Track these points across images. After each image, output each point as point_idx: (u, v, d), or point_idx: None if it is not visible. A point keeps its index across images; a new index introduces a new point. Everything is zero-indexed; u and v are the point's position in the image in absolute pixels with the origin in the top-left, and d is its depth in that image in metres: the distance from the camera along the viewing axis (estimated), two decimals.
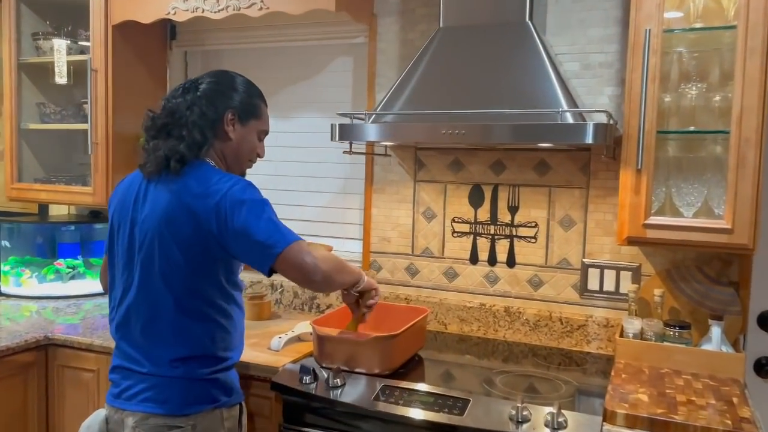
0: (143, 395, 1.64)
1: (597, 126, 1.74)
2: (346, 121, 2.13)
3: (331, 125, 2.05)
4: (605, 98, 2.20)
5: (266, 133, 1.82)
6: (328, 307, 2.63)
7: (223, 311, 1.68)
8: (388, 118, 2.05)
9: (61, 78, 2.72)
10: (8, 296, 2.83)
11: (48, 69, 2.83)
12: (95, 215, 3.10)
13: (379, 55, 2.52)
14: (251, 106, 1.74)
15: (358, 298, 1.88)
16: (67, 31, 2.79)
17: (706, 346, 1.94)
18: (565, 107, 1.84)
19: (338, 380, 1.80)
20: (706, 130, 1.88)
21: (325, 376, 1.82)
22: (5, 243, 2.90)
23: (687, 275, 2.09)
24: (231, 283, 1.69)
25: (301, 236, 1.60)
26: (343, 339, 1.85)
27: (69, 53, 2.73)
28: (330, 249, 2.36)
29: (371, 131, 2.00)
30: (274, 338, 2.09)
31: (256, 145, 1.79)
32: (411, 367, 2.02)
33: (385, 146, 2.48)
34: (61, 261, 2.92)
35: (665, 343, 1.96)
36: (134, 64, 2.73)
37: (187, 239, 1.59)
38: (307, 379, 1.82)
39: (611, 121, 1.86)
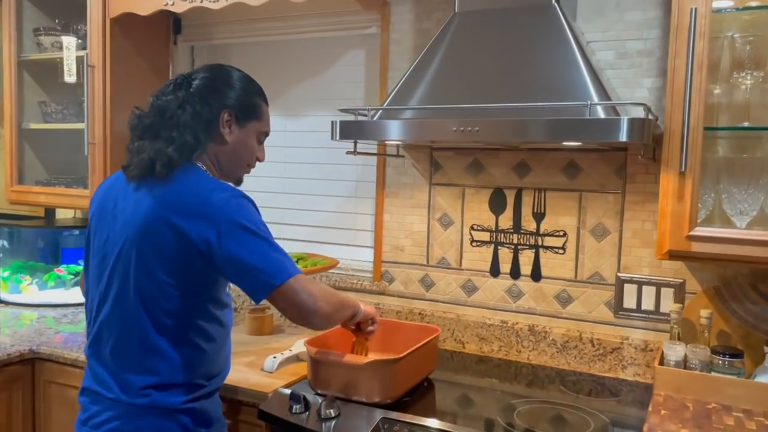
0: (110, 425, 1.46)
1: (632, 121, 1.48)
2: (350, 117, 1.92)
3: (332, 122, 1.84)
4: (644, 91, 1.94)
5: (267, 134, 1.63)
6: None
7: (205, 333, 1.49)
8: (395, 114, 1.83)
9: (70, 76, 2.58)
10: (7, 303, 2.71)
11: (50, 66, 2.71)
12: None
13: (392, 46, 2.30)
14: (250, 106, 1.55)
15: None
16: (73, 27, 2.65)
17: (762, 378, 1.66)
18: (596, 100, 1.59)
19: (332, 410, 1.59)
20: (762, 127, 1.60)
21: (318, 404, 1.61)
22: (3, 243, 2.78)
23: (739, 294, 1.81)
24: (216, 303, 1.50)
25: (299, 269, 1.44)
26: (339, 363, 1.64)
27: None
28: (335, 263, 2.16)
29: (374, 129, 1.79)
30: (268, 358, 1.90)
31: (255, 148, 1.60)
32: (419, 394, 1.79)
33: (397, 146, 2.26)
34: (62, 267, 2.79)
35: (713, 374, 1.69)
36: (134, 60, 2.58)
37: (169, 254, 1.41)
38: (297, 407, 1.62)
39: (650, 116, 1.61)
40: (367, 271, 2.41)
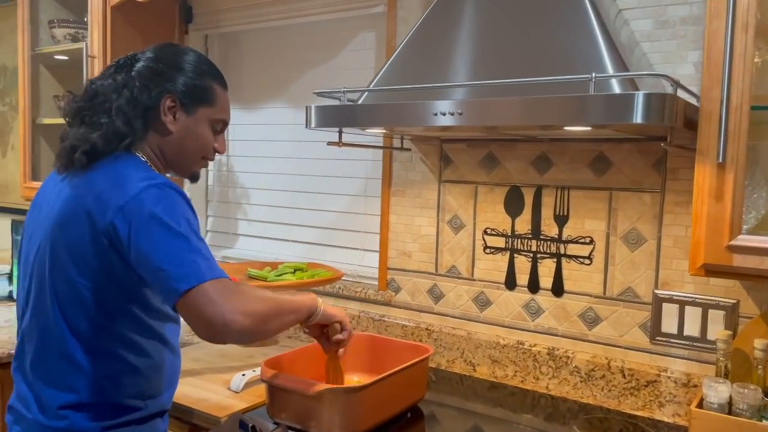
0: None
1: (649, 98, 1.15)
2: (334, 103, 1.67)
3: (306, 108, 1.60)
4: (689, 66, 1.57)
5: (224, 123, 1.40)
6: None
7: (137, 348, 1.29)
8: (377, 97, 1.57)
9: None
10: None
11: (64, 59, 2.64)
12: None
13: (400, 26, 2.04)
14: (199, 90, 1.32)
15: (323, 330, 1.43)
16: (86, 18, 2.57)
17: None
18: (611, 72, 1.27)
19: None
20: None
21: None
22: (18, 238, 2.73)
23: None
24: (151, 311, 1.30)
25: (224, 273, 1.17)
26: (290, 389, 1.39)
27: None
28: (338, 276, 1.95)
29: (342, 115, 1.53)
30: (236, 375, 1.68)
31: (209, 138, 1.37)
32: (401, 427, 1.52)
33: (401, 138, 1.99)
34: None
35: (764, 422, 1.31)
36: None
37: (82, 250, 1.22)
38: None
39: (679, 92, 1.26)
40: (373, 278, 2.16)
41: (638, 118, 1.15)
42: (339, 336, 1.43)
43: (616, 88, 1.26)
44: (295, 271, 2.00)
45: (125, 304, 1.26)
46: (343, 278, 2.23)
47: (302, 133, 2.35)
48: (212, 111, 1.35)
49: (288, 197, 2.46)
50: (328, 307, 1.39)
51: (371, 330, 2.12)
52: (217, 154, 1.42)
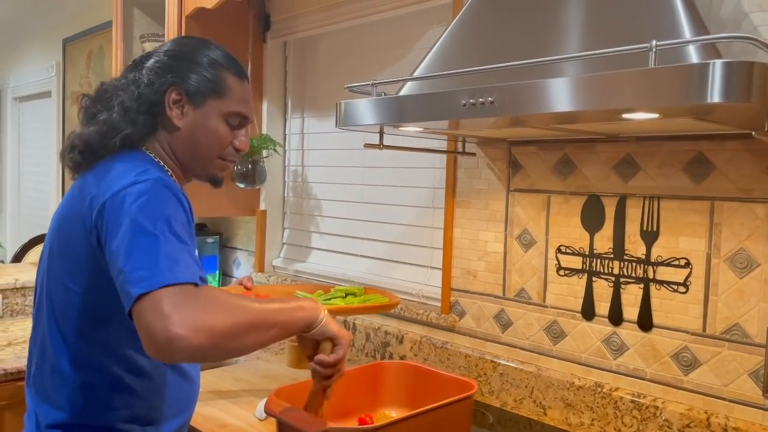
0: None
1: (730, 67, 0.84)
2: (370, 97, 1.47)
3: (337, 105, 1.42)
4: None
5: (241, 116, 1.23)
6: (402, 358, 1.96)
7: (132, 365, 1.17)
8: (408, 90, 1.35)
9: None
10: None
11: None
12: (200, 228, 2.88)
13: None
14: (208, 81, 1.19)
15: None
16: None
17: None
18: (688, 37, 0.97)
19: None
20: None
21: None
22: None
23: None
24: None
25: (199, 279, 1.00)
26: (294, 427, 1.20)
27: None
28: (394, 304, 1.73)
29: (362, 111, 1.33)
30: (261, 401, 1.52)
31: (223, 134, 1.21)
32: None
33: (462, 140, 1.75)
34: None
35: None
36: None
37: (75, 255, 1.13)
38: None
39: None
40: (437, 299, 1.92)
41: (715, 95, 0.84)
42: (325, 358, 1.13)
43: (694, 58, 0.95)
44: (346, 295, 1.81)
45: (118, 314, 1.14)
46: (406, 299, 2.03)
47: (370, 139, 2.19)
48: (224, 103, 1.20)
49: (358, 209, 2.30)
50: (331, 321, 1.13)
51: (432, 358, 1.88)
52: (238, 152, 1.26)
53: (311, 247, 2.51)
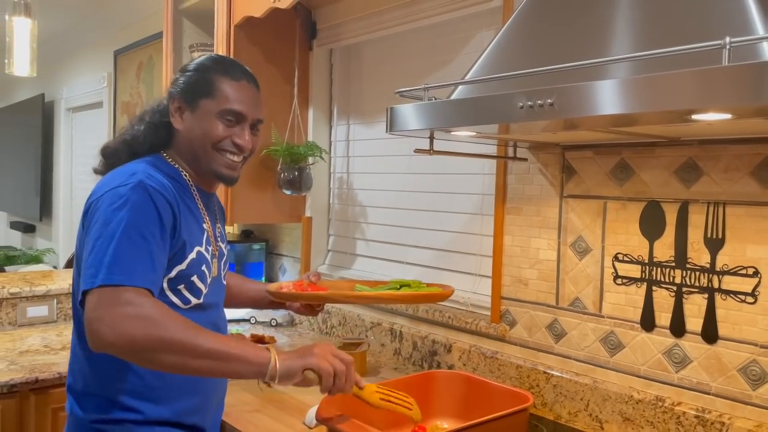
0: None
1: None
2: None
3: (387, 110, 1.40)
4: None
5: (234, 113, 1.29)
6: (450, 367, 1.92)
7: None
8: (461, 94, 1.33)
9: None
10: None
11: None
12: (247, 235, 2.90)
13: None
14: (198, 84, 1.30)
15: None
16: None
17: None
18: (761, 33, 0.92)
19: None
20: None
21: None
22: None
23: None
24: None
25: (151, 281, 1.13)
26: None
27: None
28: (446, 294, 1.66)
29: (413, 116, 1.30)
30: (312, 408, 1.51)
31: (216, 130, 1.29)
32: None
33: (514, 145, 1.71)
34: None
35: None
36: (264, 68, 2.43)
37: (78, 245, 1.27)
38: None
39: None
40: (486, 308, 1.88)
41: None
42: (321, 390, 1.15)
43: None
44: (401, 287, 1.76)
45: None
46: (454, 307, 1.99)
47: (417, 146, 2.16)
48: (215, 103, 1.29)
49: (404, 216, 2.28)
50: (292, 363, 1.11)
51: (482, 369, 1.83)
52: (238, 148, 1.31)
53: (356, 254, 2.50)
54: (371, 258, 2.42)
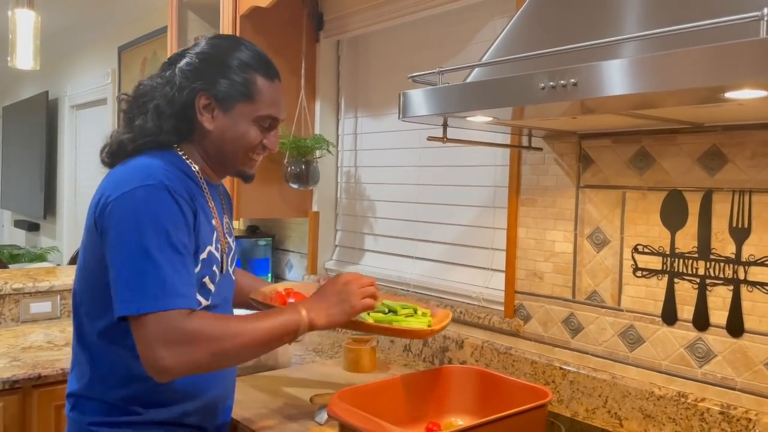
0: None
1: None
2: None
3: (399, 95, 1.36)
4: None
5: (272, 118, 1.26)
6: (462, 363, 1.87)
7: (133, 349, 1.17)
8: (476, 77, 1.28)
9: None
10: None
11: None
12: (253, 230, 2.85)
13: None
14: (238, 85, 1.22)
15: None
16: None
17: None
18: None
19: None
20: None
21: None
22: None
23: None
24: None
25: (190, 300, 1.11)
26: (358, 429, 1.13)
27: None
28: (446, 318, 1.48)
29: (427, 100, 1.26)
30: (320, 406, 1.46)
31: (252, 136, 1.24)
32: None
33: (528, 134, 1.66)
34: None
35: None
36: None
37: (85, 245, 1.21)
38: None
39: None
40: (499, 302, 1.83)
41: None
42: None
43: None
44: (388, 311, 1.56)
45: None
46: (465, 302, 1.95)
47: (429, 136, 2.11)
48: (254, 107, 1.23)
49: (413, 210, 2.23)
50: (321, 313, 1.21)
51: (495, 364, 1.79)
52: (267, 150, 1.29)
53: (365, 249, 2.45)
54: (380, 253, 2.38)
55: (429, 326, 1.38)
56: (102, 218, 1.12)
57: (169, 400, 1.20)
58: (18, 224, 6.61)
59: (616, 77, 0.96)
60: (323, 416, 1.43)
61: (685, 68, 0.88)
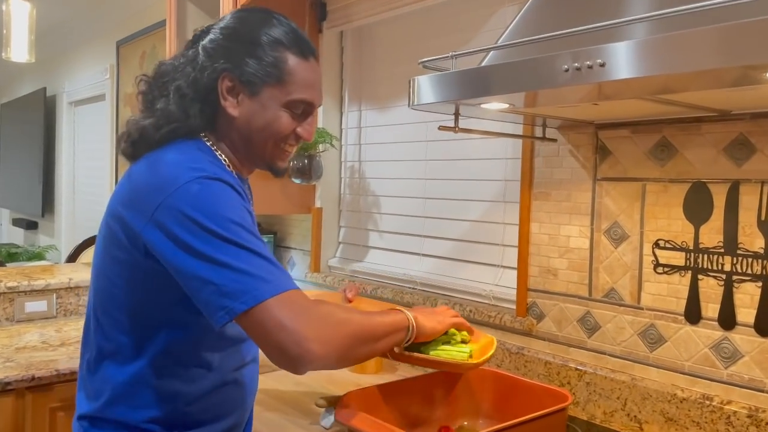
0: None
1: None
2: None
3: (410, 81, 1.28)
4: None
5: (305, 103, 1.10)
6: None
7: (160, 366, 1.07)
8: (492, 61, 1.21)
9: None
10: None
11: None
12: None
13: None
14: (268, 67, 1.06)
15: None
16: None
17: None
18: None
19: None
20: None
21: None
22: None
23: None
24: (193, 329, 1.08)
25: (294, 283, 0.98)
26: None
27: None
28: (491, 347, 1.27)
29: (441, 86, 1.19)
30: (325, 410, 1.39)
31: (283, 124, 1.09)
32: None
33: (543, 124, 1.59)
34: None
35: None
36: None
37: (117, 249, 1.05)
38: None
39: None
40: (511, 301, 1.76)
41: None
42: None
43: None
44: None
45: (168, 320, 1.06)
46: (474, 300, 1.88)
47: (434, 131, 2.04)
48: (285, 90, 1.07)
49: (420, 205, 2.16)
50: (422, 318, 1.13)
51: (507, 365, 1.72)
52: (301, 139, 1.14)
53: (369, 246, 2.38)
54: (385, 250, 2.30)
55: (470, 356, 1.18)
56: (149, 224, 0.97)
57: (193, 423, 1.10)
58: (16, 223, 6.54)
59: (648, 56, 0.89)
60: (329, 420, 1.36)
61: (726, 44, 0.81)
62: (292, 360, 0.91)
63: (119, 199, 1.05)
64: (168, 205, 0.96)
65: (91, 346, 1.11)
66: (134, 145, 1.09)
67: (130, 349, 1.07)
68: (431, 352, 1.15)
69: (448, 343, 1.18)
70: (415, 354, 1.15)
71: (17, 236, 6.62)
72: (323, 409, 1.40)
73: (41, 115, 5.49)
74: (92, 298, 1.11)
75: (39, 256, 5.42)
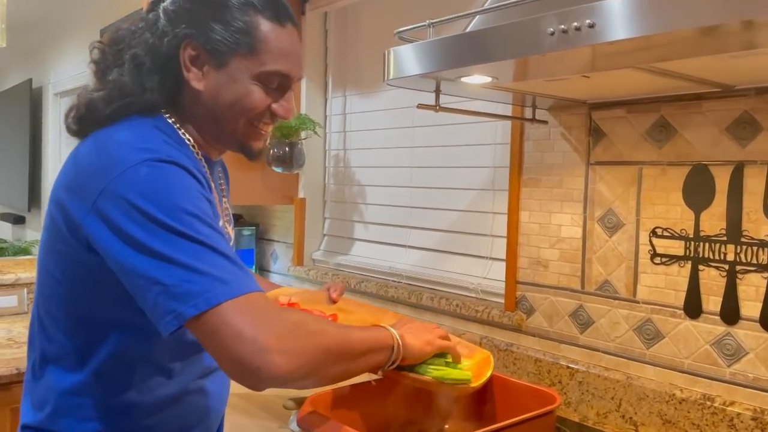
0: None
1: None
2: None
3: (385, 54, 1.17)
4: None
5: (280, 75, 0.96)
6: None
7: (110, 371, 0.95)
8: (472, 27, 1.10)
9: None
10: None
11: None
12: (236, 219, 2.67)
13: None
14: (235, 33, 0.92)
15: None
16: None
17: None
18: None
19: None
20: None
21: None
22: None
23: None
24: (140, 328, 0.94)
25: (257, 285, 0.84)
26: None
27: None
28: (487, 366, 1.15)
29: (417, 57, 1.08)
30: (296, 411, 1.29)
31: (253, 98, 0.95)
32: None
33: (532, 105, 1.48)
34: None
35: None
36: None
37: (55, 241, 0.94)
38: None
39: None
40: (499, 294, 1.66)
41: None
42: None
43: None
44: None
45: (115, 321, 0.94)
46: (461, 294, 1.77)
47: (421, 117, 1.94)
48: (256, 61, 0.93)
49: (406, 195, 2.05)
50: (409, 337, 0.99)
51: (496, 363, 1.60)
52: (277, 117, 0.99)
53: (354, 238, 2.27)
54: (370, 242, 2.20)
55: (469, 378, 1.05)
56: (91, 211, 0.85)
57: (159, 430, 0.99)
58: (3, 217, 6.43)
59: (641, 14, 0.78)
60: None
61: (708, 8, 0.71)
62: (250, 373, 0.78)
63: (62, 184, 0.93)
64: (111, 191, 0.83)
65: (35, 349, 0.99)
66: (81, 120, 0.96)
67: (74, 354, 0.95)
68: (431, 371, 1.02)
69: (441, 357, 1.04)
70: (411, 374, 1.02)
71: (5, 231, 6.51)
72: (293, 411, 1.29)
73: (27, 107, 5.37)
74: (36, 295, 1.00)
75: (25, 251, 5.31)
